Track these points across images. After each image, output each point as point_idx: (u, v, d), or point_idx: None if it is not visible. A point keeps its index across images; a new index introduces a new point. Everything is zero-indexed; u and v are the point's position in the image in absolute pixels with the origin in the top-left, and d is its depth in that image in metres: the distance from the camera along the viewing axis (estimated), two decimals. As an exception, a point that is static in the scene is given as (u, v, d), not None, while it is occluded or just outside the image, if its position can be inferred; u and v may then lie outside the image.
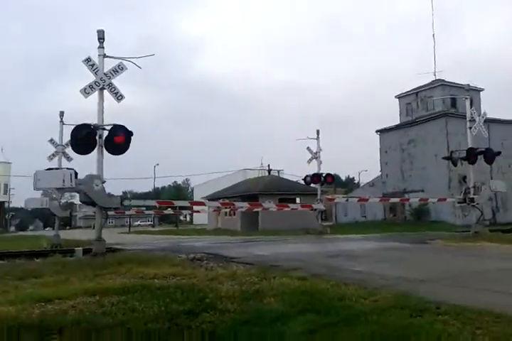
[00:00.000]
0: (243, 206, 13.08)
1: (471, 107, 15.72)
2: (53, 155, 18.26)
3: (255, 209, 26.83)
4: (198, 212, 24.60)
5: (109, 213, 10.98)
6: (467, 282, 6.32)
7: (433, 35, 43.57)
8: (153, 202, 12.26)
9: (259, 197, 37.28)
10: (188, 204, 11.14)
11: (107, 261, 8.60)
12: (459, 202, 15.38)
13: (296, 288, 5.58)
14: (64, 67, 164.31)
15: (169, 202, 11.87)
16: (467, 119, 15.54)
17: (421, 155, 38.92)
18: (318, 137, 24.31)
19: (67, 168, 17.14)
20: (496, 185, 15.72)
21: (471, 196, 14.74)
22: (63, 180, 9.57)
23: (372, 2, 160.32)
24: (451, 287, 5.96)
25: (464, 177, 15.86)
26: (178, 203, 11.78)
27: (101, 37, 10.57)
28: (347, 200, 14.85)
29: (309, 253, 11.49)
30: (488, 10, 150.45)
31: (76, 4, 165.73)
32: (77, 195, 11.12)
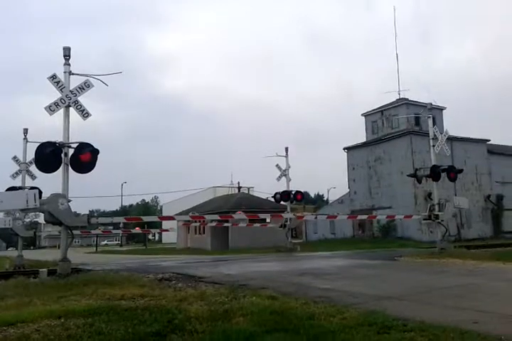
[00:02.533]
0: (213, 219, 12.85)
1: (433, 125, 16.16)
2: (17, 173, 17.83)
3: (226, 225, 26.69)
4: (166, 230, 24.31)
5: (75, 232, 10.74)
6: (433, 298, 6.44)
7: (396, 54, 44.91)
8: (121, 219, 12.02)
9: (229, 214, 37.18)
10: (157, 219, 10.92)
11: (72, 282, 8.37)
12: (424, 219, 15.67)
13: (265, 307, 5.56)
14: (29, 81, 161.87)
15: (137, 218, 11.64)
16: (430, 137, 15.93)
17: (387, 173, 39.68)
18: (287, 154, 24.56)
19: (32, 187, 16.87)
20: (459, 201, 16.11)
21: (436, 213, 15.06)
22: (27, 201, 9.31)
23: (343, 20, 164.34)
24: (418, 304, 6.05)
25: (430, 195, 16.22)
26: (146, 218, 11.51)
27: (67, 54, 10.46)
28: (316, 218, 14.93)
29: (279, 272, 11.48)
30: (454, 33, 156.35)
31: (42, 17, 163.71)
32: (42, 214, 10.83)
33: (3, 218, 17.89)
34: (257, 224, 27.05)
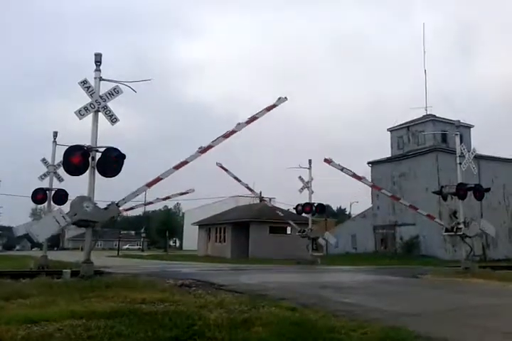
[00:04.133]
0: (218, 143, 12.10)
1: (460, 143, 15.97)
2: (44, 175, 18.20)
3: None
4: (186, 193, 24.45)
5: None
6: (457, 318, 6.31)
7: (424, 71, 44.54)
8: (144, 188, 12.25)
9: (250, 224, 37.14)
10: (174, 169, 11.04)
11: (94, 284, 8.49)
12: (446, 231, 15.35)
13: (284, 318, 5.53)
14: (59, 85, 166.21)
15: (157, 179, 11.73)
16: (457, 155, 15.75)
17: (412, 189, 39.03)
18: (310, 167, 24.52)
19: (58, 189, 17.27)
20: (485, 225, 15.62)
21: (460, 226, 14.78)
22: (57, 221, 9.55)
23: (368, 36, 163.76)
24: (441, 322, 5.94)
25: (455, 213, 15.91)
26: (164, 175, 11.61)
27: (98, 60, 10.75)
28: (342, 169, 14.85)
29: (299, 283, 11.41)
30: (491, 49, 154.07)
31: (74, 24, 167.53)
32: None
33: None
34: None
